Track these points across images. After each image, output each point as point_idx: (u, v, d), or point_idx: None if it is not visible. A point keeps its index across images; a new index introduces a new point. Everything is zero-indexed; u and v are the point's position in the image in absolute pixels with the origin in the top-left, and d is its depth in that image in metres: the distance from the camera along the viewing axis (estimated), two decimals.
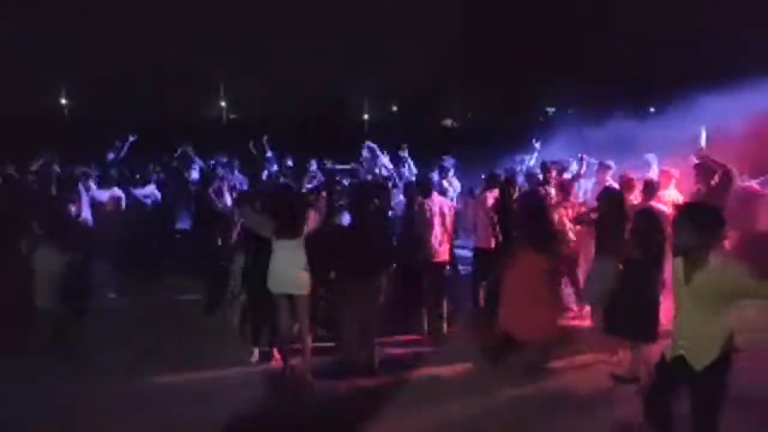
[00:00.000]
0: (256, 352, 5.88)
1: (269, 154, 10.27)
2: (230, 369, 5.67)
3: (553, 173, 7.66)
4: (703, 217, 3.52)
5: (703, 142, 7.65)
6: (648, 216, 5.22)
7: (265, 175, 9.45)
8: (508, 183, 6.80)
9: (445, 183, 8.35)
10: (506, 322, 5.50)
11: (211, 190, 7.25)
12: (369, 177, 8.48)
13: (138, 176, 9.05)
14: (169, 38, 31.27)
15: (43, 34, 28.03)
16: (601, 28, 24.67)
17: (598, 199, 6.01)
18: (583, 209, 6.79)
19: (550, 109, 31.82)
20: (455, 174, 9.09)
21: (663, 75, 21.12)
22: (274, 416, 4.93)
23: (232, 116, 39.04)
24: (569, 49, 26.17)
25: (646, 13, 23.07)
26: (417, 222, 6.38)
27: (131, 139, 9.07)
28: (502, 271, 5.61)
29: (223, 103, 39.59)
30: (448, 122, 39.40)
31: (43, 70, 28.97)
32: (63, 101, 34.54)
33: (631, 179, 6.69)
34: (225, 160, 10.07)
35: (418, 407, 4.95)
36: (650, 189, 6.35)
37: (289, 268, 5.37)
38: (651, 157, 7.77)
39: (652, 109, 19.95)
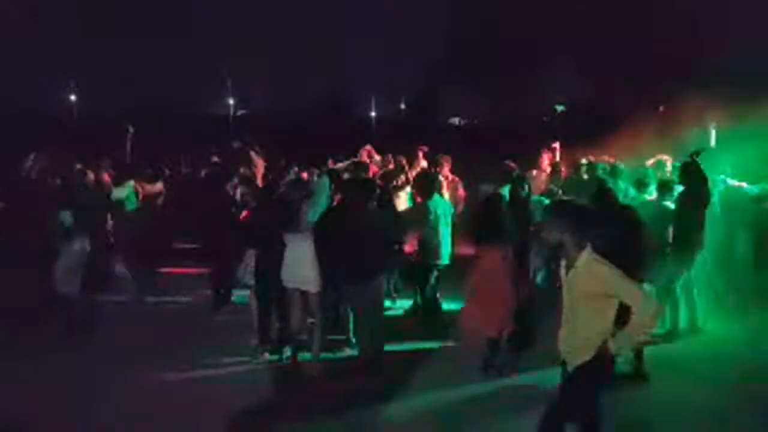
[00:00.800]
0: (266, 347, 5.89)
1: None
2: (239, 366, 5.68)
3: None
4: (572, 214, 3.40)
5: (712, 140, 7.65)
6: (628, 213, 5.15)
7: None
8: (519, 179, 6.72)
9: (441, 178, 8.18)
10: (465, 319, 5.47)
11: (230, 186, 7.17)
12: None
13: (149, 172, 9.06)
14: (176, 35, 31.40)
15: (50, 32, 28.20)
16: (606, 25, 24.52)
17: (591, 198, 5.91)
18: None
19: (560, 107, 31.71)
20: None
21: (670, 73, 21.00)
22: (282, 413, 4.95)
23: (240, 112, 39.13)
24: (574, 47, 26.05)
25: (651, 10, 22.92)
26: (420, 224, 6.32)
27: (130, 131, 9.00)
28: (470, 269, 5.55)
29: (231, 100, 39.66)
30: (456, 120, 39.33)
31: (51, 67, 29.15)
32: (72, 97, 34.74)
33: (644, 177, 6.68)
34: None
35: (422, 403, 4.98)
36: (666, 188, 6.33)
37: (296, 263, 5.42)
38: (665, 157, 7.72)
39: (660, 108, 19.85)
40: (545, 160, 8.18)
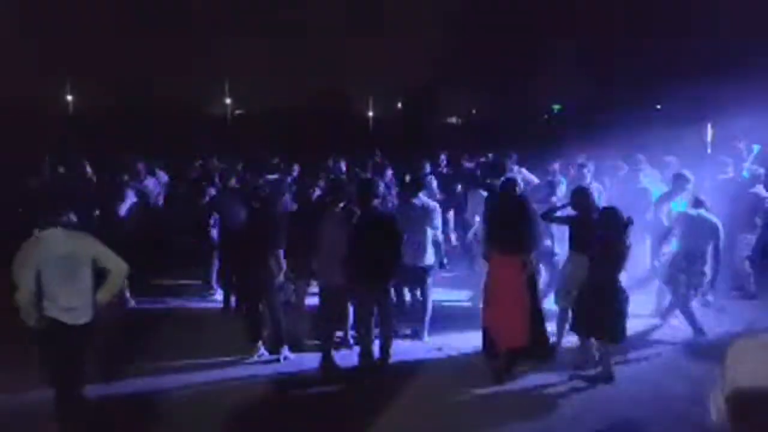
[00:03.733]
0: (260, 345, 5.88)
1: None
2: (239, 366, 5.66)
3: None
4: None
5: (708, 137, 7.68)
6: (612, 214, 5.09)
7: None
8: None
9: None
10: (487, 324, 5.40)
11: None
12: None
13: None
14: (174, 34, 31.36)
15: (48, 30, 28.16)
16: (603, 23, 24.56)
17: (570, 197, 5.84)
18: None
19: (557, 107, 31.73)
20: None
21: (668, 71, 21.03)
22: (281, 413, 4.95)
23: (237, 112, 39.05)
24: (574, 46, 26.08)
25: (650, 7, 22.96)
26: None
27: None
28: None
29: (228, 100, 39.56)
30: (453, 120, 39.36)
31: (50, 66, 29.10)
32: (69, 97, 34.65)
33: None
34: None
35: (422, 404, 4.99)
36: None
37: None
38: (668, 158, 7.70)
39: (658, 107, 19.89)
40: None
